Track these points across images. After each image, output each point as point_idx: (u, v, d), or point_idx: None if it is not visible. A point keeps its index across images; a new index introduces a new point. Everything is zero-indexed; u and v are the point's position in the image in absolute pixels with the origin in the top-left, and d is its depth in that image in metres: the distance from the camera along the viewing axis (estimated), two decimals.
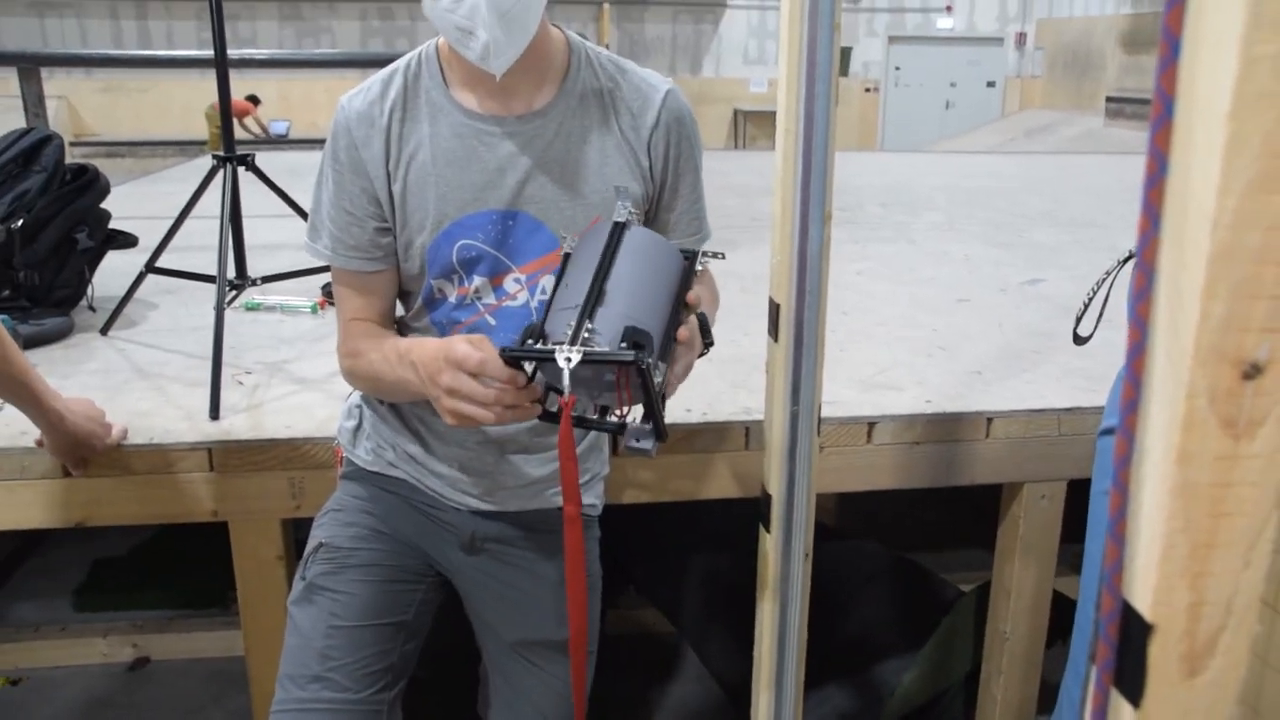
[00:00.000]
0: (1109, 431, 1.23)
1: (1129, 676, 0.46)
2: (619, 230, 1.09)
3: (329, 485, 1.52)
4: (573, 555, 1.08)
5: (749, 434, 1.78)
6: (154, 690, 2.38)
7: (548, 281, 1.25)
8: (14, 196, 2.22)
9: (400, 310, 1.36)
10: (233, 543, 1.74)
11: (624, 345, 0.98)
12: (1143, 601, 0.44)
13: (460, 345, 1.05)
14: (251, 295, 2.47)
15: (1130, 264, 1.30)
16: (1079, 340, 1.43)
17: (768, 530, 1.20)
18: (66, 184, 2.32)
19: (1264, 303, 0.40)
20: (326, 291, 2.49)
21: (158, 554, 2.94)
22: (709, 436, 1.78)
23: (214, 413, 1.77)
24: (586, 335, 0.99)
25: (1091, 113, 12.34)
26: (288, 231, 2.69)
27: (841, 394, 1.90)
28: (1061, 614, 1.97)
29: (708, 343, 1.16)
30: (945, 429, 1.83)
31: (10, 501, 1.64)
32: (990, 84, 14.45)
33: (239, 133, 9.34)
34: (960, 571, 2.55)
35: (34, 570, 2.88)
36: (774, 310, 1.13)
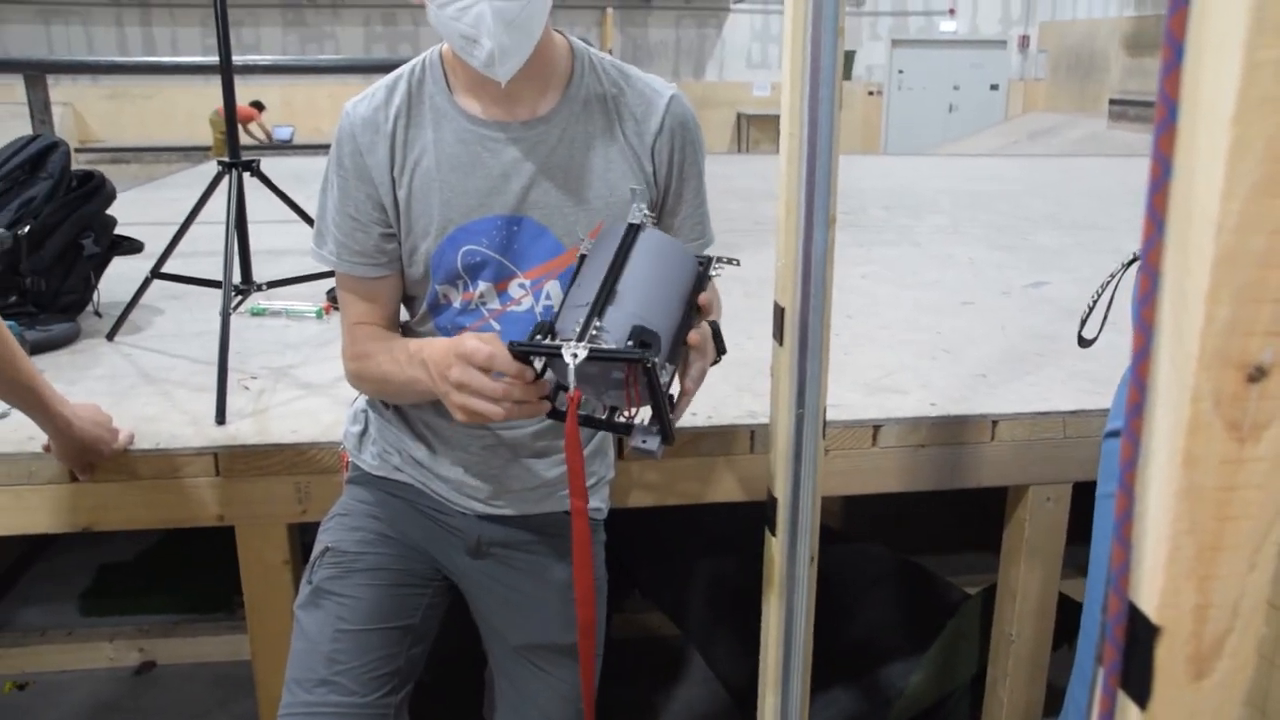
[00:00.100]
0: (1114, 434, 1.23)
1: (1136, 679, 0.46)
2: (633, 231, 1.10)
3: (335, 490, 1.52)
4: (580, 548, 1.08)
5: (754, 437, 1.78)
6: (160, 694, 2.38)
7: (552, 286, 1.26)
8: (20, 203, 2.23)
9: (405, 315, 1.36)
10: (239, 547, 1.74)
11: (631, 344, 0.98)
12: (1149, 604, 0.44)
13: (470, 340, 1.06)
14: (256, 300, 2.48)
15: (1134, 267, 1.30)
16: (1084, 343, 1.43)
17: (773, 533, 1.20)
18: (72, 190, 2.33)
19: (1268, 306, 0.40)
20: (331, 297, 2.50)
21: (164, 559, 2.94)
22: (714, 440, 1.78)
23: (220, 418, 1.77)
24: (594, 332, 0.99)
25: (1095, 115, 12.33)
26: (292, 237, 2.69)
27: (846, 397, 1.90)
28: (1067, 617, 1.96)
29: (720, 351, 1.17)
30: (950, 432, 1.83)
31: (18, 506, 1.65)
32: (993, 87, 14.44)
33: (243, 138, 9.37)
34: (965, 574, 2.55)
35: (40, 575, 2.88)
36: (779, 314, 1.13)
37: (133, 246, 2.49)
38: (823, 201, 1.07)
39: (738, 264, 1.18)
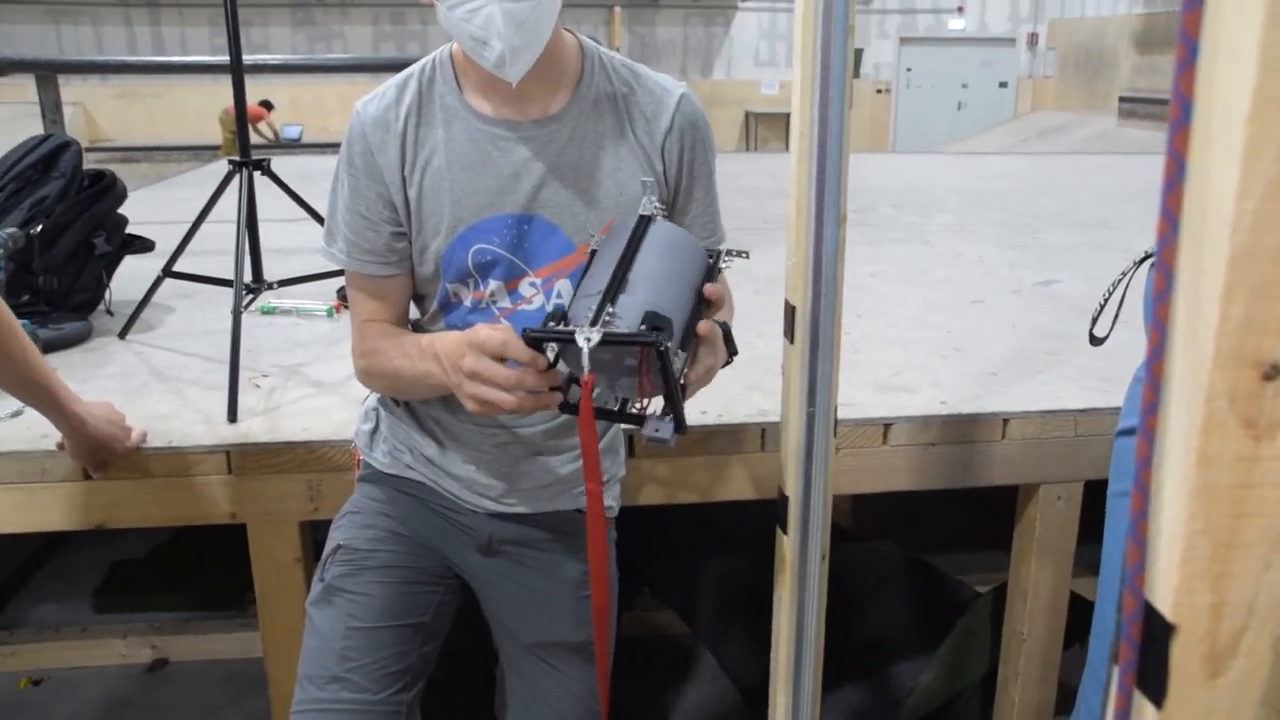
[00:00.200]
0: (1126, 433, 1.23)
1: (1151, 677, 0.46)
2: (644, 223, 1.10)
3: (346, 488, 1.53)
4: (595, 529, 1.08)
5: (764, 436, 1.78)
6: (173, 691, 2.40)
7: (563, 285, 1.26)
8: (33, 202, 2.25)
9: (416, 314, 1.37)
10: (251, 545, 1.75)
11: (644, 328, 0.98)
12: (1164, 602, 0.45)
13: (483, 329, 1.07)
14: (267, 299, 2.49)
15: (1145, 265, 1.30)
16: (1095, 341, 1.42)
17: (785, 532, 1.20)
18: (84, 190, 2.34)
19: None
20: (342, 295, 2.51)
21: (175, 556, 2.95)
22: (725, 438, 1.78)
23: (232, 416, 1.78)
24: (607, 318, 0.99)
25: (1104, 113, 12.29)
26: (302, 235, 2.71)
27: (856, 396, 1.90)
28: (1079, 616, 1.96)
29: (732, 352, 1.17)
30: (961, 430, 1.83)
31: (32, 504, 1.66)
32: (1002, 85, 14.40)
33: (252, 137, 9.39)
34: (976, 573, 2.54)
35: (53, 572, 2.90)
36: (790, 312, 1.13)
37: (144, 245, 2.50)
38: (833, 200, 1.07)
39: (747, 256, 1.19)
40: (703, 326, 1.06)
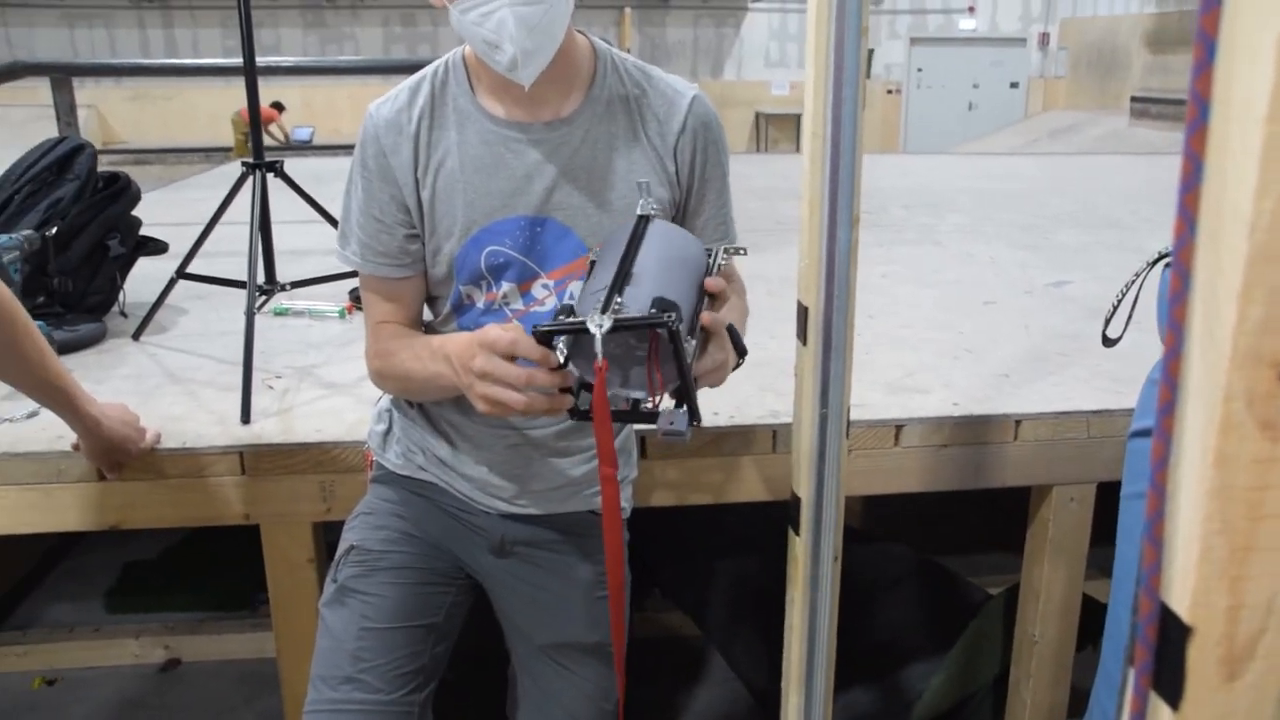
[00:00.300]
0: (1140, 434, 1.22)
1: (1167, 679, 0.46)
2: (643, 223, 1.12)
3: (359, 488, 1.53)
4: (610, 515, 1.08)
5: (776, 437, 1.78)
6: (185, 691, 2.41)
7: (575, 287, 1.26)
8: (48, 204, 2.26)
9: (429, 315, 1.37)
10: (264, 546, 1.75)
11: (653, 312, 0.98)
12: (1181, 604, 0.44)
13: (493, 329, 1.06)
14: (279, 300, 2.50)
15: (1159, 266, 1.29)
16: (1108, 342, 1.42)
17: (797, 533, 1.20)
18: (99, 192, 2.36)
19: None
20: (354, 296, 2.51)
21: (188, 557, 2.97)
22: (736, 440, 1.78)
23: (245, 417, 1.79)
24: (616, 307, 0.99)
25: (1116, 113, 12.24)
26: (314, 237, 2.72)
27: (868, 397, 1.89)
28: (1091, 618, 1.95)
29: (740, 353, 1.17)
30: (973, 431, 1.83)
31: (48, 504, 1.67)
32: (1013, 85, 14.35)
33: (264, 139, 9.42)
34: (988, 575, 2.54)
35: (67, 573, 2.91)
36: (802, 314, 1.13)
37: (158, 247, 2.52)
38: (846, 201, 1.07)
39: (744, 253, 1.21)
40: (706, 317, 1.06)
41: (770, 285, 2.50)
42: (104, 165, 2.46)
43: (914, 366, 2.09)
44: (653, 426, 1.04)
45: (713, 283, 1.11)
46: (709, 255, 1.16)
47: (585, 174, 1.24)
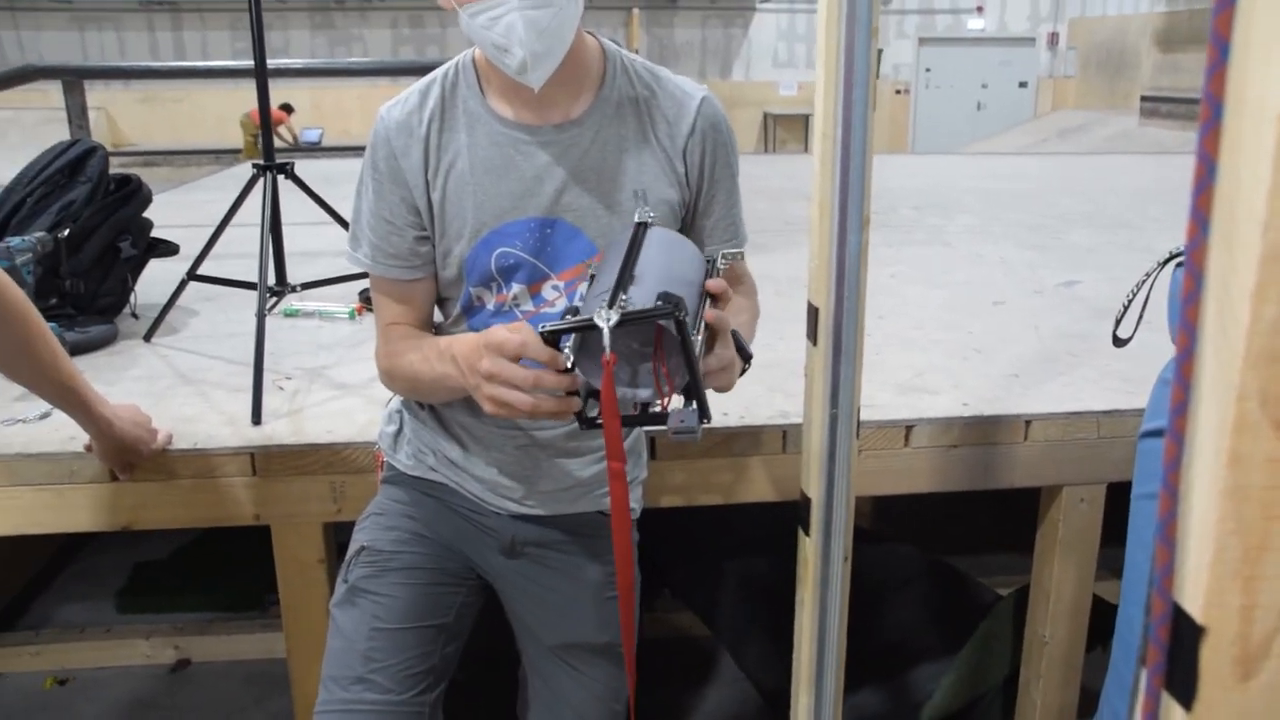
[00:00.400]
0: (1151, 434, 1.22)
1: (1180, 679, 0.46)
2: (642, 229, 1.13)
3: (370, 489, 1.54)
4: (619, 512, 1.08)
5: (786, 437, 1.78)
6: (195, 692, 2.41)
7: (584, 289, 1.26)
8: (61, 206, 2.27)
9: (439, 317, 1.38)
10: (275, 546, 1.76)
11: (659, 304, 0.99)
12: (1194, 604, 0.44)
13: (500, 330, 1.06)
14: (290, 302, 2.50)
15: (1169, 266, 1.29)
16: (1118, 342, 1.42)
17: (807, 534, 1.20)
18: (110, 194, 2.37)
19: None
20: (364, 298, 2.52)
21: (199, 557, 2.98)
22: (746, 440, 1.78)
23: (256, 418, 1.79)
24: (622, 303, 0.99)
25: (1126, 112, 12.20)
26: (324, 238, 2.72)
27: (878, 397, 1.89)
28: (1101, 618, 1.95)
29: (746, 358, 1.17)
30: (982, 432, 1.82)
31: (60, 505, 1.68)
32: (1022, 84, 14.33)
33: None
34: (998, 575, 2.53)
35: (78, 573, 2.93)
36: (813, 314, 1.13)
37: (169, 249, 2.53)
38: (856, 202, 1.07)
39: (741, 257, 1.24)
40: (710, 315, 1.06)
41: (779, 285, 2.49)
42: (113, 167, 2.47)
43: (924, 367, 2.09)
44: (663, 428, 1.03)
45: (714, 284, 1.11)
46: (708, 261, 1.17)
47: (595, 175, 1.24)
